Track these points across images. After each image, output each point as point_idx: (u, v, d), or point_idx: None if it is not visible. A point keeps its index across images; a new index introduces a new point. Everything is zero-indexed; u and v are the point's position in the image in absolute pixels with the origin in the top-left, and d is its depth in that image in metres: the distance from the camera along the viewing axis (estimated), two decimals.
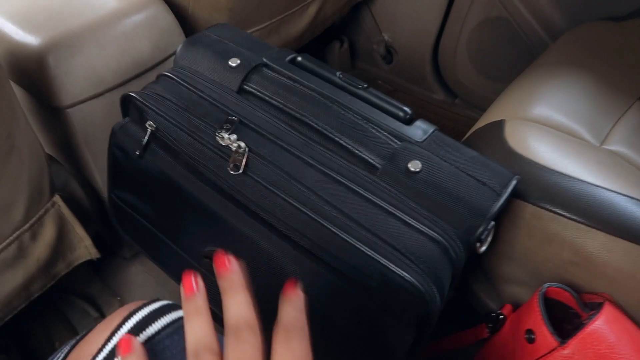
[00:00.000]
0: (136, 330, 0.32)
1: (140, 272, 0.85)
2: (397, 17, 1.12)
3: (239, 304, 0.26)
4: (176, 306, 0.35)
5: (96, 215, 0.74)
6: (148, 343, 0.32)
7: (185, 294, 0.27)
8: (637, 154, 0.57)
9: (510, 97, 0.67)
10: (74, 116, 0.64)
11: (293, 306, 0.27)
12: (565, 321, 0.51)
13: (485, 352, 0.56)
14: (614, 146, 0.58)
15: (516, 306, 0.55)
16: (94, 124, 0.66)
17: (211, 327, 0.26)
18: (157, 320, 0.33)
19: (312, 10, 0.93)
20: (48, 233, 0.62)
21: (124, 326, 0.33)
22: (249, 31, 0.82)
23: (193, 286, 0.27)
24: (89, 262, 0.69)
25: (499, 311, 0.55)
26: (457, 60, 1.10)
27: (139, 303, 0.35)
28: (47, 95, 0.62)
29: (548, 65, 0.71)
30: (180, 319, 0.33)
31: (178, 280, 0.69)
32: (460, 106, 1.16)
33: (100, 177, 0.70)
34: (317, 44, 1.19)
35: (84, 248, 0.66)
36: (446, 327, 0.64)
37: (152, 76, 0.64)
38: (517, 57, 0.99)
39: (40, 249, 0.61)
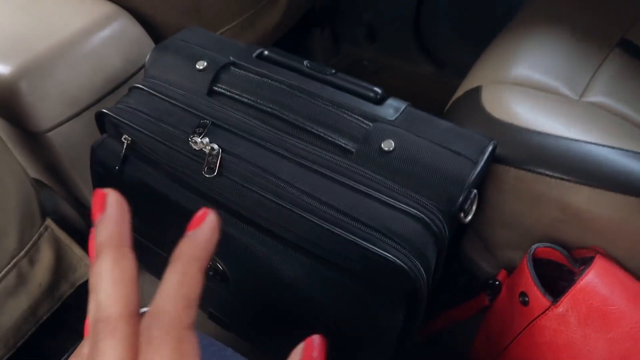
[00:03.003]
0: None
1: (146, 281, 0.86)
2: None
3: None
4: None
5: None
6: None
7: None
8: (617, 102, 0.56)
9: (486, 62, 0.66)
10: (55, 139, 0.65)
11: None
12: (561, 279, 0.50)
13: (487, 321, 0.56)
14: (593, 97, 0.57)
15: (512, 270, 0.54)
16: (76, 145, 0.66)
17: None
18: None
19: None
20: (46, 257, 0.63)
21: None
22: (220, 30, 0.82)
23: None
24: None
25: (495, 277, 0.55)
26: (439, 29, 1.08)
27: None
28: (25, 121, 0.63)
29: (523, 23, 0.69)
30: None
31: None
32: (448, 76, 1.14)
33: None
34: (297, 33, 1.18)
35: (85, 266, 0.67)
36: (454, 301, 0.64)
37: (126, 89, 0.65)
38: (499, 19, 0.97)
39: (41, 273, 0.62)
